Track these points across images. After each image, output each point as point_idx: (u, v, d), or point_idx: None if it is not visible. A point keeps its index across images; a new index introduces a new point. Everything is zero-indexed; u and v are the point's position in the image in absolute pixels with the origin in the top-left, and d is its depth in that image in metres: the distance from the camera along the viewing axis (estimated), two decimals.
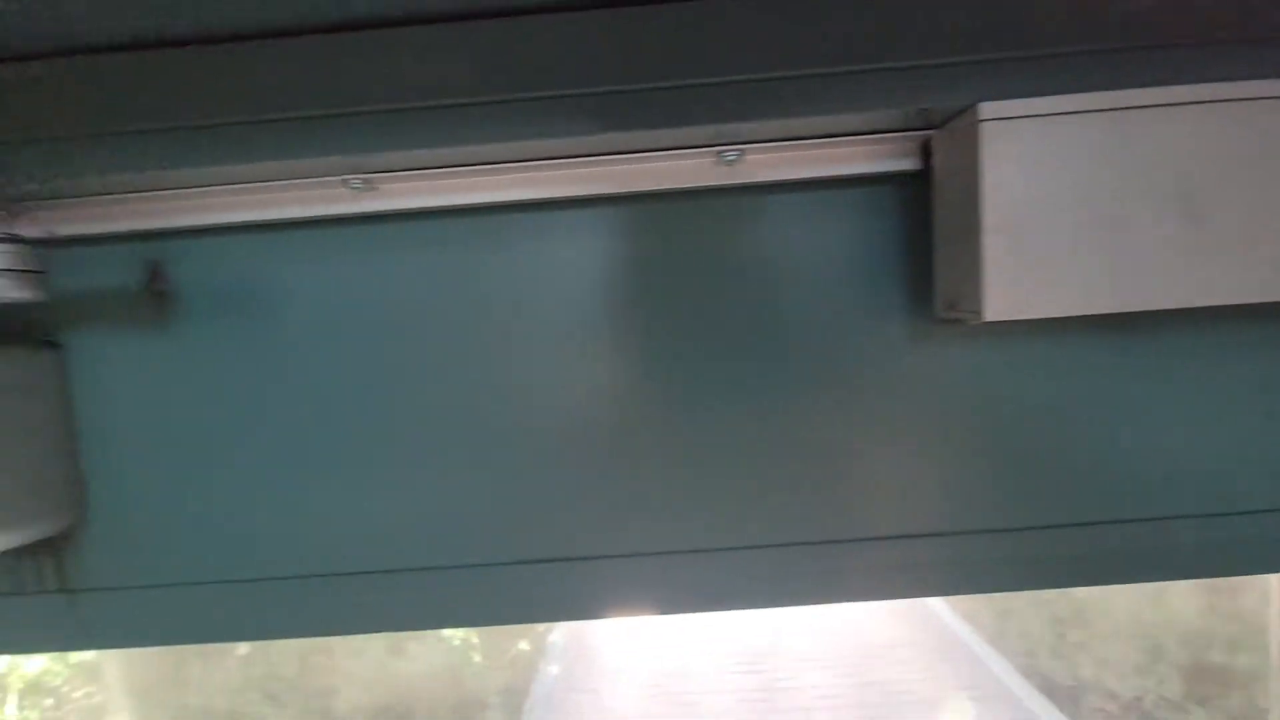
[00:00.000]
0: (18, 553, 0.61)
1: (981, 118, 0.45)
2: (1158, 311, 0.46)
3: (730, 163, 0.54)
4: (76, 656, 3.92)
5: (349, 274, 0.59)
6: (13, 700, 3.77)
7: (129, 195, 0.56)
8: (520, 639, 5.62)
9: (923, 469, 0.59)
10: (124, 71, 0.50)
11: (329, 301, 0.60)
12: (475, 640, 5.19)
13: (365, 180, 0.54)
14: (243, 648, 4.20)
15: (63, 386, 0.60)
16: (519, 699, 5.06)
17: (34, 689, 3.88)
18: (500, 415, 0.60)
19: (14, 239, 0.47)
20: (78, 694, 4.05)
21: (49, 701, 3.93)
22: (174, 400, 0.61)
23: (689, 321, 0.59)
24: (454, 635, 5.01)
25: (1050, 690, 4.45)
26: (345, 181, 0.54)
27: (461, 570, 0.61)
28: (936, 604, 5.87)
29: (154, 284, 0.59)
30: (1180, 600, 4.14)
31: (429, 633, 4.80)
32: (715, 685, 4.97)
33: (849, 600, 0.62)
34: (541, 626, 5.98)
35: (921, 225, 0.56)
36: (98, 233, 0.57)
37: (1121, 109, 0.45)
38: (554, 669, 5.51)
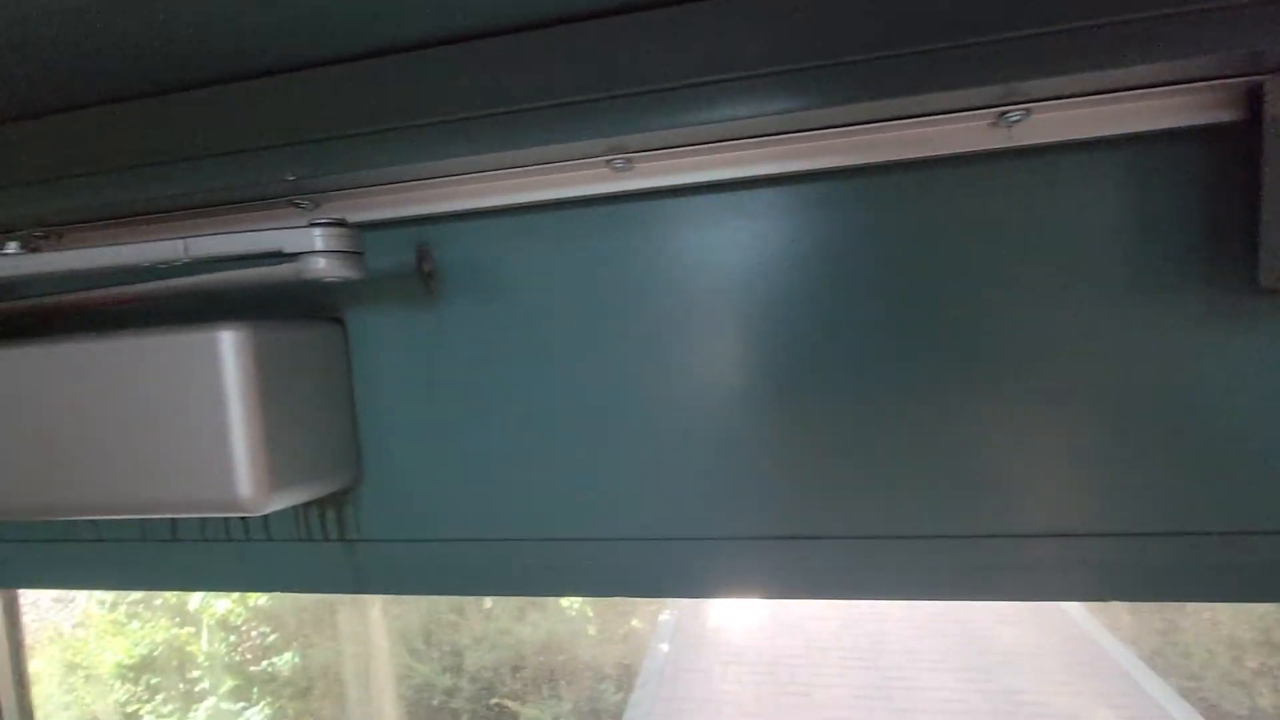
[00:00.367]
0: (308, 505, 0.69)
1: None
2: None
3: (1014, 124, 0.50)
4: (254, 601, 4.45)
5: (598, 251, 0.62)
6: (204, 634, 4.36)
7: (402, 185, 0.61)
8: (633, 617, 5.77)
9: (1134, 462, 0.54)
10: (405, 71, 0.54)
11: (576, 278, 0.63)
12: (590, 614, 5.39)
13: (627, 160, 0.56)
14: (381, 603, 4.59)
15: (345, 359, 0.68)
16: (632, 673, 5.21)
17: (221, 625, 4.47)
18: (714, 393, 0.61)
19: (340, 223, 0.53)
20: (254, 633, 4.60)
21: (232, 638, 4.50)
22: (435, 373, 0.66)
23: (892, 300, 0.57)
24: (571, 607, 5.22)
25: (1218, 719, 4.00)
26: (609, 162, 0.56)
27: (640, 543, 0.63)
28: (1074, 611, 5.43)
29: (422, 265, 0.65)
30: None
31: (550, 603, 5.03)
32: (827, 677, 4.88)
33: (994, 599, 0.59)
34: (653, 607, 6.12)
35: (1232, 184, 0.50)
36: (375, 219, 0.63)
37: None
38: (664, 647, 5.63)
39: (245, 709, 4.40)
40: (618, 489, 0.64)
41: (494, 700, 4.63)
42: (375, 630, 4.70)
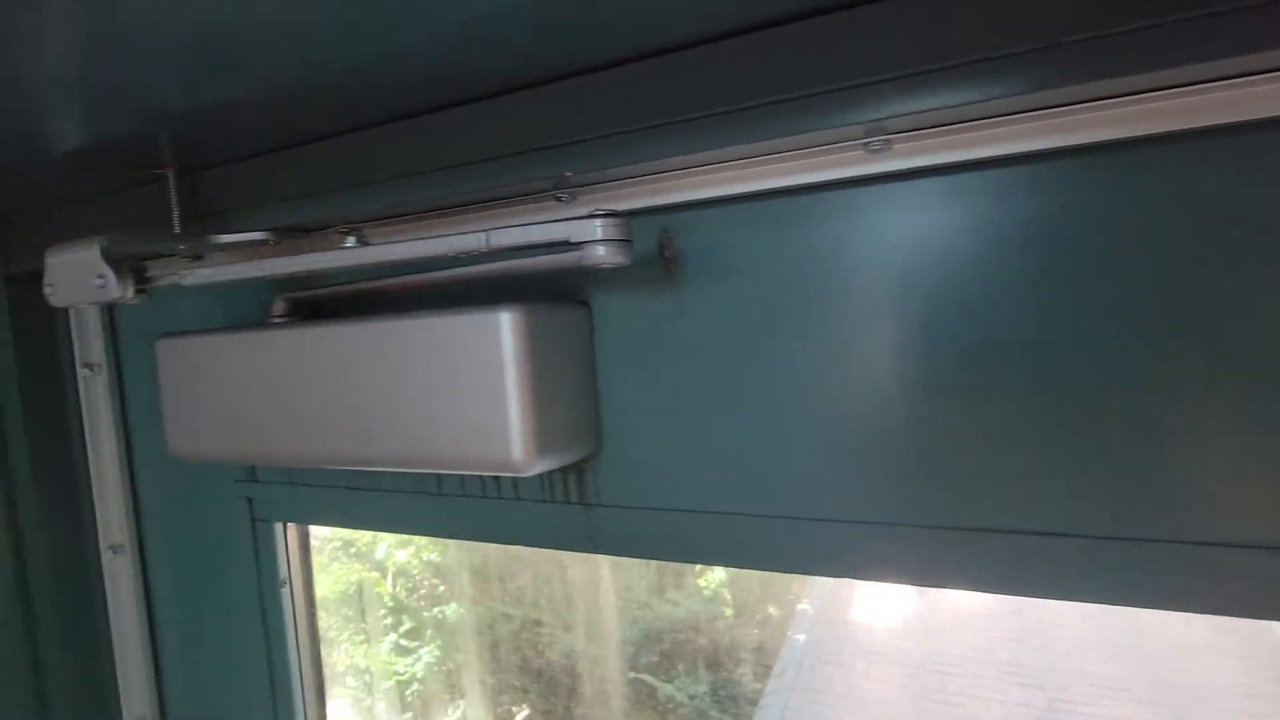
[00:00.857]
0: (553, 471, 0.77)
1: None
2: None
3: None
4: (428, 555, 4.96)
5: (832, 235, 0.62)
6: (388, 579, 4.95)
7: (649, 176, 0.64)
8: (770, 603, 5.74)
9: None
10: (673, 70, 0.57)
11: (807, 261, 0.63)
12: (728, 596, 5.43)
13: (885, 141, 0.55)
14: (534, 568, 4.93)
15: (590, 339, 0.73)
16: (768, 659, 5.19)
17: (401, 573, 5.04)
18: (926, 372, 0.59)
19: (614, 213, 0.57)
20: (426, 584, 5.13)
21: (409, 585, 5.06)
22: (671, 354, 0.70)
23: (1106, 287, 0.53)
24: (708, 587, 5.29)
25: None
26: (867, 145, 0.55)
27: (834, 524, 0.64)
28: None
29: (664, 251, 0.69)
30: None
31: (688, 582, 5.13)
32: (984, 691, 4.55)
33: (1185, 609, 0.53)
34: (791, 594, 6.04)
35: None
36: (621, 209, 0.68)
37: None
38: (802, 637, 5.55)
39: (419, 647, 4.97)
40: (825, 469, 0.65)
41: (632, 674, 4.82)
42: (530, 593, 5.07)
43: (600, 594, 5.08)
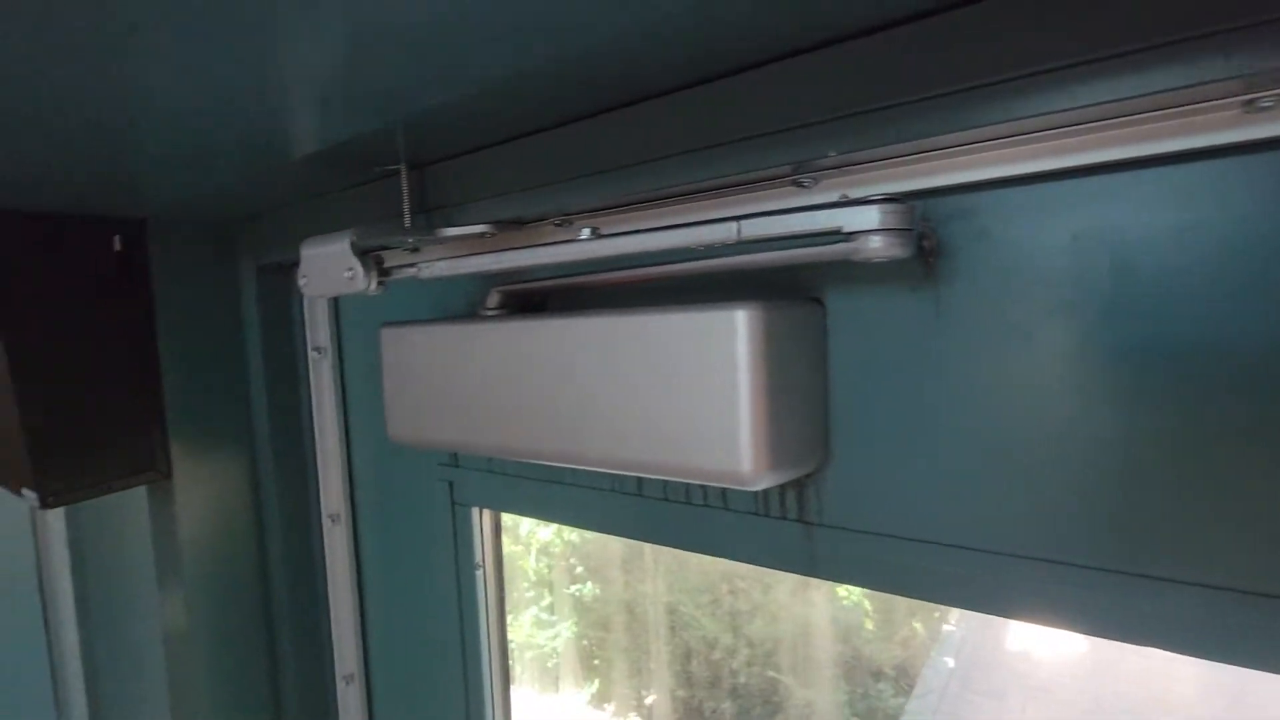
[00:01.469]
0: None
1: None
2: None
3: None
4: (568, 535, 5.16)
5: (1173, 223, 0.50)
6: (531, 555, 5.21)
7: (907, 157, 0.56)
8: (914, 619, 5.36)
9: None
10: (954, 30, 0.48)
11: (1111, 262, 0.52)
12: (869, 607, 5.14)
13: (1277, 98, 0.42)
14: (670, 557, 4.95)
15: (823, 339, 0.66)
16: (908, 679, 4.85)
17: (543, 551, 5.29)
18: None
19: (895, 198, 0.50)
20: (565, 563, 5.34)
21: (550, 563, 5.29)
22: (923, 360, 0.61)
23: None
24: (849, 596, 5.04)
25: None
26: (1250, 102, 0.43)
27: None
28: None
29: (923, 243, 0.60)
30: None
31: (828, 588, 4.92)
32: None
33: None
34: (937, 613, 5.60)
35: None
36: (869, 195, 0.59)
37: None
38: (949, 660, 5.12)
39: (557, 622, 5.20)
40: (1090, 507, 0.54)
41: (770, 673, 4.71)
42: (666, 579, 5.11)
43: (740, 589, 5.01)
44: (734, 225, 0.53)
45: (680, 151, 0.63)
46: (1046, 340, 0.55)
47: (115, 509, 1.33)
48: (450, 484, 1.03)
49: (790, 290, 0.68)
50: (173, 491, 1.06)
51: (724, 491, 0.75)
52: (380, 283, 0.71)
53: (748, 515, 0.73)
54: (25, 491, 0.96)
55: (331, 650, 1.20)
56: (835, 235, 0.51)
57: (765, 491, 0.72)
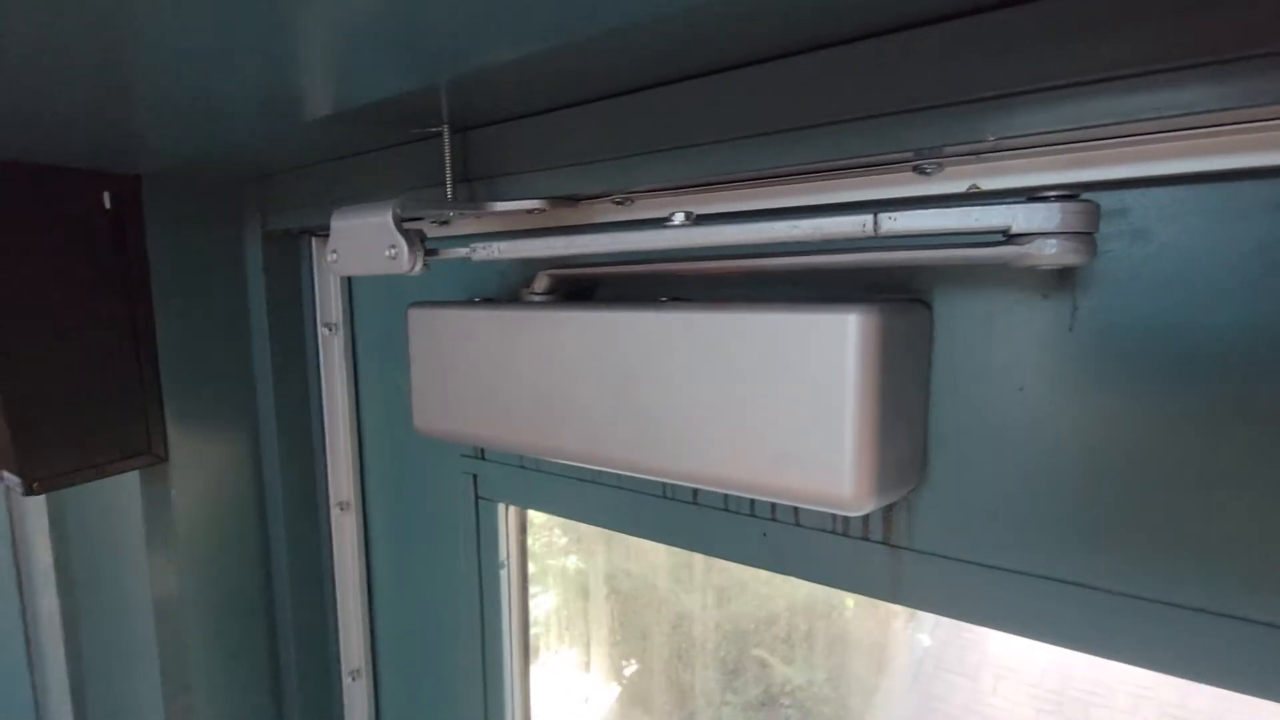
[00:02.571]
0: None
1: None
2: None
3: None
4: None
5: None
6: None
7: (1054, 145, 0.48)
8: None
9: None
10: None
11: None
12: None
13: None
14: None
15: (929, 347, 0.59)
16: (886, 657, 4.95)
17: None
18: None
19: (1074, 196, 0.42)
20: (548, 534, 5.32)
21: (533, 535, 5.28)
22: (1048, 374, 0.55)
23: None
24: None
25: None
26: None
27: None
28: None
29: (1095, 234, 0.52)
30: None
31: None
32: None
33: None
34: None
35: None
36: (1002, 188, 0.52)
37: None
38: (925, 639, 5.23)
39: (539, 593, 5.21)
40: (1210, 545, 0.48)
41: (754, 651, 4.76)
42: (649, 554, 5.12)
43: (723, 564, 5.03)
44: (869, 217, 0.46)
45: (777, 129, 0.55)
46: (1215, 367, 0.48)
47: (102, 494, 1.23)
48: (474, 477, 0.95)
49: (892, 288, 0.61)
50: (169, 476, 0.97)
51: (796, 506, 0.69)
52: (425, 264, 0.62)
53: (823, 533, 0.67)
54: (7, 475, 0.86)
55: (337, 645, 1.13)
56: (991, 235, 0.44)
57: None
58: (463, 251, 0.65)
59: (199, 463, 1.00)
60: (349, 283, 1.06)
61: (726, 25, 0.47)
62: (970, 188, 0.53)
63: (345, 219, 0.64)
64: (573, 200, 0.72)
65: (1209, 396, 0.49)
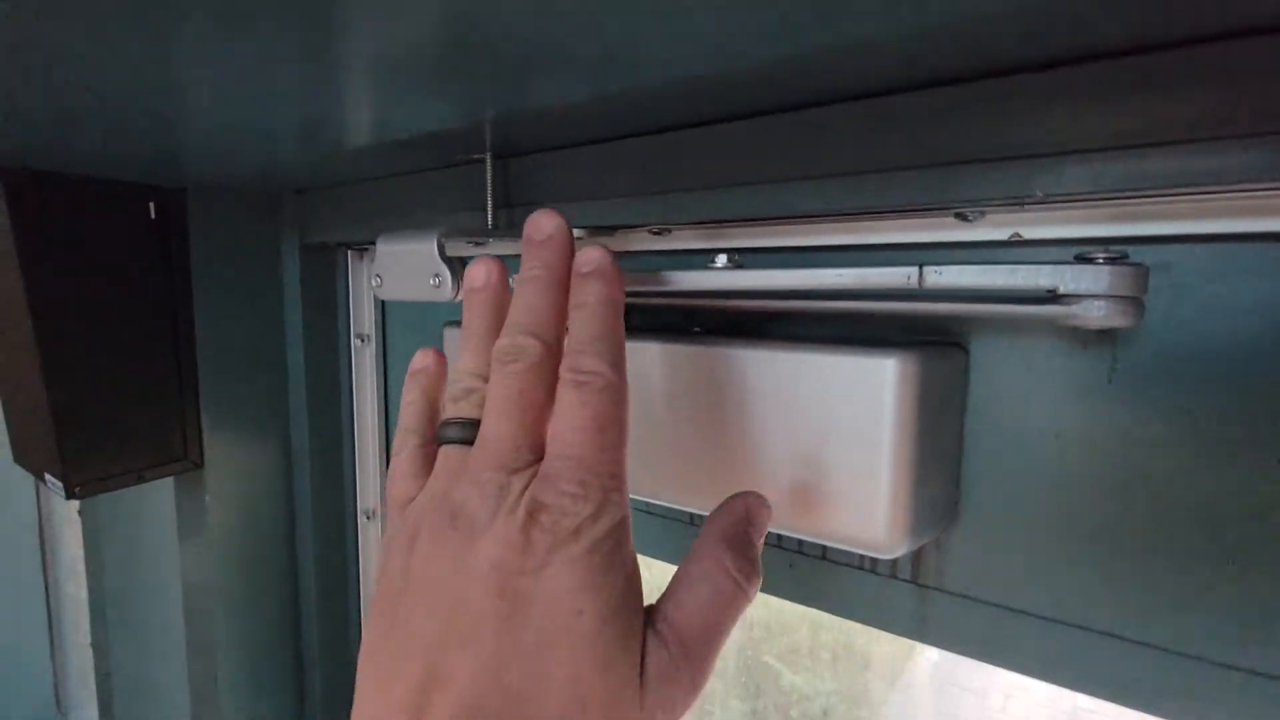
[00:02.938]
0: None
1: None
2: None
3: None
4: None
5: None
6: None
7: (1104, 202, 0.48)
8: None
9: None
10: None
11: None
12: None
13: None
14: None
15: (964, 392, 0.60)
16: (894, 671, 4.91)
17: None
18: None
19: (1124, 258, 0.43)
20: None
21: None
22: (1082, 424, 0.55)
23: None
24: None
25: None
26: None
27: None
28: None
29: (1143, 298, 0.52)
30: None
31: None
32: None
33: None
34: None
35: None
36: (1047, 238, 0.52)
37: None
38: (934, 655, 5.19)
39: None
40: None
41: (765, 658, 4.74)
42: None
43: None
44: (913, 270, 0.46)
45: (821, 175, 0.55)
46: (1244, 423, 0.48)
47: (135, 498, 1.26)
48: None
49: (930, 330, 0.61)
50: (204, 482, 1.00)
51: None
52: None
53: (850, 569, 0.68)
54: (49, 478, 0.89)
55: None
56: (1037, 293, 0.44)
57: None
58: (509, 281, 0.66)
59: (232, 469, 1.02)
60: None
61: (776, 78, 0.48)
62: (1012, 236, 0.53)
63: (391, 244, 0.66)
64: (610, 229, 0.73)
65: (1247, 451, 0.49)
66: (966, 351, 0.59)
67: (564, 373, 0.38)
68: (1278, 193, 0.43)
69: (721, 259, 0.55)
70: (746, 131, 0.58)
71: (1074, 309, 0.43)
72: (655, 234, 0.73)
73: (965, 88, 0.47)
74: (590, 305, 0.41)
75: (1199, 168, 0.41)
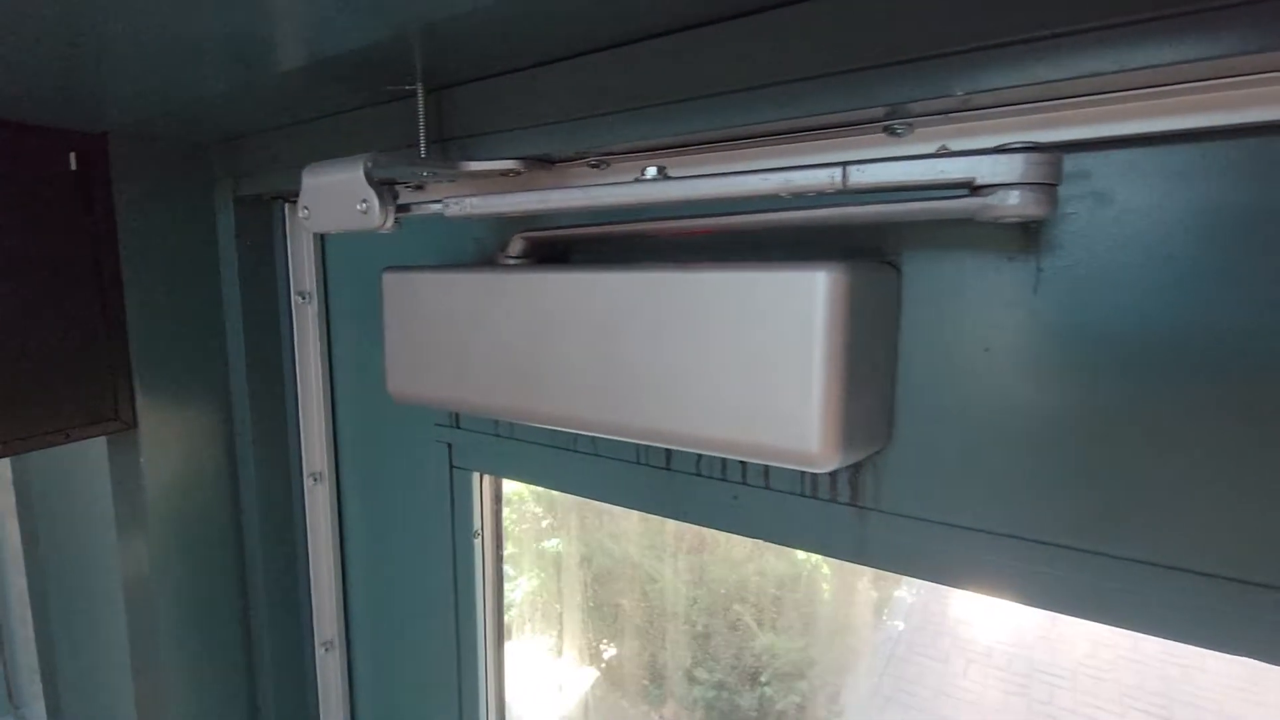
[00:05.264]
0: None
1: None
2: None
3: None
4: (530, 489, 5.13)
5: None
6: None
7: (1022, 104, 0.49)
8: (871, 588, 5.54)
9: None
10: None
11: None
12: (825, 570, 5.28)
13: None
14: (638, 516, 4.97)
15: (897, 308, 0.60)
16: (860, 640, 5.02)
17: (507, 502, 5.25)
18: None
19: (1036, 146, 0.43)
20: (531, 514, 5.33)
21: (515, 515, 5.27)
22: (1011, 337, 0.56)
23: None
24: (809, 559, 5.16)
25: None
26: None
27: None
28: None
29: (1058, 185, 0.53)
30: None
31: (789, 554, 5.01)
32: (1098, 710, 4.17)
33: None
34: (889, 578, 5.80)
35: None
36: (981, 147, 0.53)
37: None
38: (899, 624, 5.33)
39: (517, 576, 5.22)
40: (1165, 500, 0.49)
41: (736, 618, 4.81)
42: (631, 532, 5.13)
43: (705, 542, 5.06)
44: (837, 170, 0.46)
45: (748, 87, 0.55)
46: (1166, 326, 0.50)
47: (70, 465, 1.21)
48: (449, 446, 0.95)
49: (861, 251, 0.61)
50: (137, 443, 0.96)
51: (766, 468, 0.69)
52: (397, 220, 0.61)
53: (792, 496, 0.68)
54: None
55: (310, 616, 1.13)
56: (956, 188, 0.45)
57: (816, 473, 0.66)
58: (436, 207, 0.65)
59: (169, 431, 0.99)
60: (322, 251, 1.05)
61: None
62: (940, 148, 0.53)
63: (316, 175, 0.64)
64: (548, 162, 0.71)
65: (1168, 353, 0.50)
66: (899, 270, 0.60)
67: None
68: (1185, 86, 0.44)
69: (651, 170, 0.54)
70: (672, 47, 0.58)
71: (990, 199, 0.43)
72: (594, 167, 0.72)
73: None
74: None
75: (1106, 60, 0.42)
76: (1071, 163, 0.51)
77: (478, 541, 0.97)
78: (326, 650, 1.14)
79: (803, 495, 0.68)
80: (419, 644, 1.06)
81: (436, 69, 0.68)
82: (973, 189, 0.44)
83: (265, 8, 0.53)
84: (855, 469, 0.64)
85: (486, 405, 0.71)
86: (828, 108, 0.50)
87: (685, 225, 0.62)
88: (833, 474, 0.66)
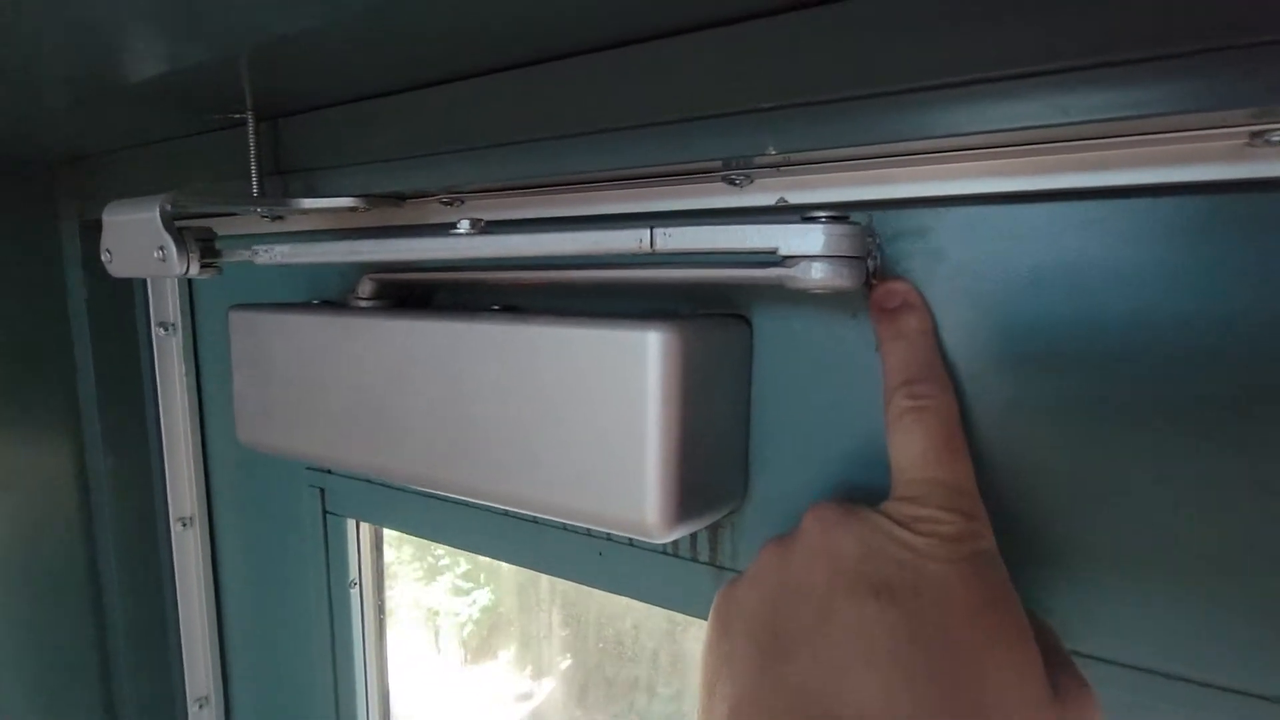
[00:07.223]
0: None
1: None
2: None
3: None
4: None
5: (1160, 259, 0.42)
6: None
7: (850, 161, 0.46)
8: None
9: None
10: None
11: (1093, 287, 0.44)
12: None
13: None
14: None
15: (748, 364, 0.57)
16: None
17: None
18: None
19: (844, 218, 0.40)
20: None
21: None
22: (861, 393, 0.53)
23: None
24: None
25: None
26: (1259, 134, 0.35)
27: None
28: None
29: (865, 258, 0.51)
30: None
31: None
32: None
33: None
34: None
35: None
36: (808, 202, 0.50)
37: None
38: None
39: (474, 589, 5.11)
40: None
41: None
42: None
43: None
44: (644, 233, 0.42)
45: (593, 130, 0.51)
46: (996, 386, 0.47)
47: None
48: (321, 491, 0.89)
49: (713, 301, 0.58)
50: None
51: None
52: (207, 264, 0.56)
53: (654, 554, 0.65)
54: None
55: (181, 672, 1.05)
56: (769, 255, 0.41)
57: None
58: (244, 254, 0.59)
59: (8, 484, 0.90)
60: (189, 279, 0.97)
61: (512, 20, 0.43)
62: (779, 201, 0.50)
63: (116, 214, 0.57)
64: (397, 199, 0.66)
65: (1008, 402, 0.48)
66: (749, 323, 0.57)
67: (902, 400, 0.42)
68: (1022, 148, 0.42)
69: (464, 224, 0.49)
70: (510, 85, 0.53)
71: (794, 270, 0.40)
72: (446, 204, 0.67)
73: (698, 36, 0.43)
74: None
75: (931, 122, 0.39)
76: (911, 219, 0.48)
77: (354, 591, 0.91)
78: (201, 707, 1.06)
79: (664, 554, 0.64)
80: (299, 699, 0.99)
81: (269, 97, 0.62)
82: (783, 258, 0.41)
83: (66, 26, 0.46)
84: (714, 528, 0.61)
85: (335, 458, 0.66)
86: (635, 162, 0.46)
87: (522, 277, 0.57)
88: (693, 534, 0.62)
